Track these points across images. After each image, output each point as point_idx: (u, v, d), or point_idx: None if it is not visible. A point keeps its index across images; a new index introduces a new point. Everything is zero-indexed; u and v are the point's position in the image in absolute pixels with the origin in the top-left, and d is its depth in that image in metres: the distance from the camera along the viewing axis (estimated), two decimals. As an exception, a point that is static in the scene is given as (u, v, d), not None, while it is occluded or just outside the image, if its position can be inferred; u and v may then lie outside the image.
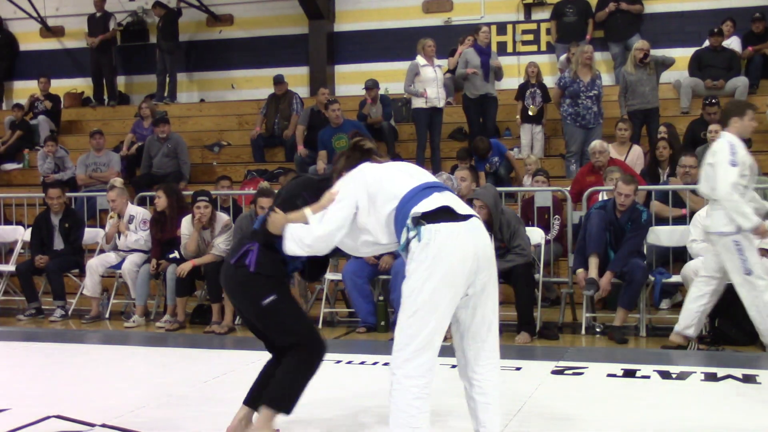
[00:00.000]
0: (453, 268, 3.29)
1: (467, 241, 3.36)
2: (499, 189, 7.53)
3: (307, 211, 3.60)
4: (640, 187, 8.04)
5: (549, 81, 12.20)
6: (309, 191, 3.77)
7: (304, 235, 3.55)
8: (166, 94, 13.54)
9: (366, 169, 3.62)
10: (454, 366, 5.75)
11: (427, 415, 3.40)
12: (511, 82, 11.84)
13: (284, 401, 3.80)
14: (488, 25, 11.95)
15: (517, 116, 10.74)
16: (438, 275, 3.26)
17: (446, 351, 6.31)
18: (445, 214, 3.35)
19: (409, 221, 3.33)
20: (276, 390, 3.80)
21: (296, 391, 3.81)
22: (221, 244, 7.62)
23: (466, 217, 3.40)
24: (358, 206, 3.50)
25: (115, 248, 8.39)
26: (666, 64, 10.16)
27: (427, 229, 3.29)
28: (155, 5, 13.45)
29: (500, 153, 9.85)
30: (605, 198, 7.47)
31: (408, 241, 3.32)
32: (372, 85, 11.01)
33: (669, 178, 8.42)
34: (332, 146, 10.25)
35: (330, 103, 10.42)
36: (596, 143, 8.52)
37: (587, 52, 9.73)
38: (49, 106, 12.97)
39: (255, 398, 3.99)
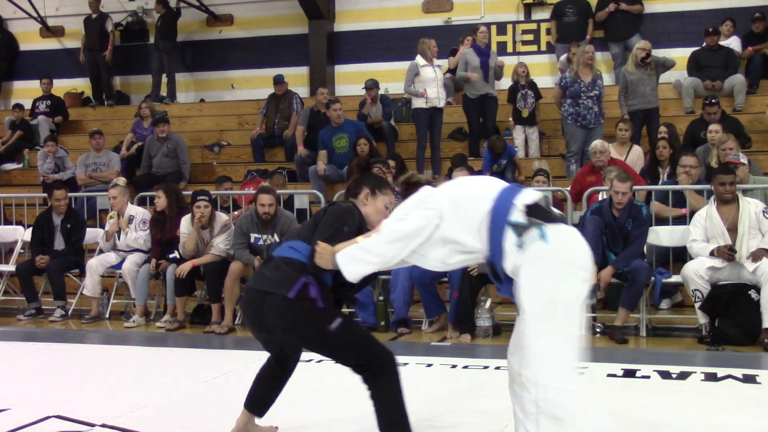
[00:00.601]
0: (585, 269, 3.21)
1: (586, 246, 3.29)
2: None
3: (360, 238, 3.41)
4: (640, 187, 8.07)
5: (549, 81, 12.23)
6: (353, 220, 3.65)
7: (370, 247, 3.31)
8: (165, 94, 13.55)
9: (432, 186, 3.44)
10: (454, 366, 5.78)
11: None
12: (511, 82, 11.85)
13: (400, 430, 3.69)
14: (488, 25, 11.98)
15: (510, 118, 10.76)
16: (567, 270, 3.14)
17: (449, 351, 6.34)
18: (549, 213, 3.27)
19: (518, 218, 3.17)
20: (388, 427, 3.69)
21: (403, 416, 3.70)
22: (220, 243, 7.63)
23: (566, 221, 3.34)
24: (442, 216, 3.27)
25: (114, 248, 8.40)
26: (667, 65, 10.16)
27: (552, 229, 3.16)
28: (157, 2, 13.46)
29: (510, 156, 9.81)
30: (605, 198, 7.46)
31: (521, 243, 3.15)
32: (372, 85, 11.01)
33: (669, 178, 8.43)
34: (332, 146, 10.25)
35: (331, 102, 10.42)
36: (597, 143, 8.52)
37: (588, 52, 9.73)
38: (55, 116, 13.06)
39: (256, 403, 3.98)
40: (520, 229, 3.16)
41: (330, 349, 3.72)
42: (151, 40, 13.99)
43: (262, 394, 4.04)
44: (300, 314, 3.56)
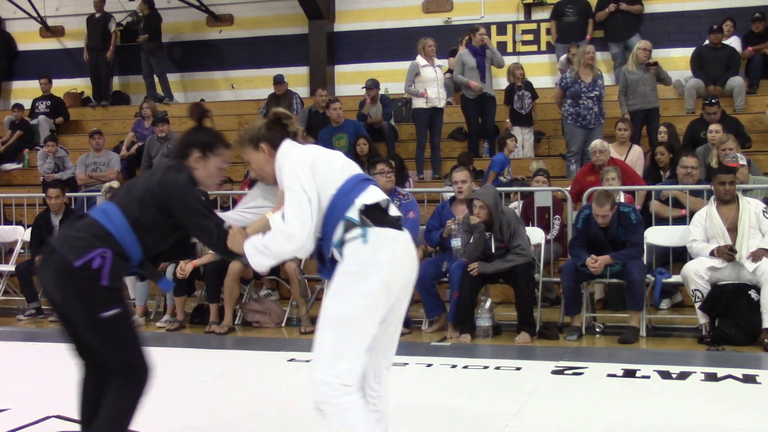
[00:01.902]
0: (396, 278, 3.21)
1: (410, 255, 3.31)
2: (499, 189, 7.53)
3: (271, 216, 3.25)
4: (640, 187, 8.07)
5: (549, 81, 12.23)
6: (194, 192, 3.38)
7: (270, 241, 3.17)
8: (162, 93, 13.55)
9: (301, 147, 3.32)
10: (454, 366, 5.78)
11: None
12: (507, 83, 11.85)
13: None
14: (488, 25, 11.99)
15: (507, 120, 10.76)
16: (384, 282, 3.13)
17: (449, 351, 6.34)
18: (384, 216, 3.23)
19: (352, 214, 3.16)
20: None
21: (125, 428, 3.37)
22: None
23: (401, 226, 3.28)
24: (306, 190, 3.17)
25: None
26: (664, 79, 10.14)
27: (375, 232, 3.15)
28: (143, 2, 13.45)
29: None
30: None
31: (342, 240, 3.14)
32: (372, 85, 11.01)
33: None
34: (332, 146, 10.25)
35: (331, 102, 10.42)
36: (597, 142, 8.51)
37: (589, 52, 9.72)
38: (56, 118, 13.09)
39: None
40: (349, 226, 3.16)
41: (92, 335, 3.34)
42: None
43: (91, 415, 3.44)
44: (78, 285, 3.24)
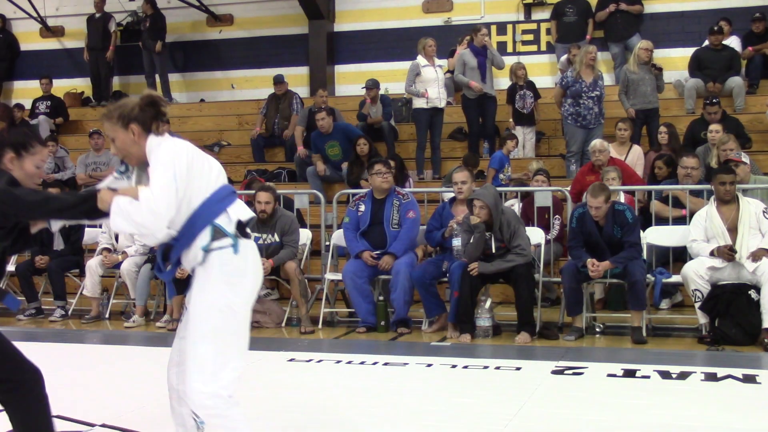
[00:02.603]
0: (255, 287, 3.29)
1: (259, 263, 3.36)
2: (500, 189, 7.53)
3: (141, 188, 3.18)
4: (640, 187, 8.07)
5: (549, 81, 12.23)
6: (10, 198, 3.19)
7: (135, 209, 3.10)
8: (161, 93, 13.55)
9: (181, 142, 3.31)
10: (454, 366, 5.78)
11: None
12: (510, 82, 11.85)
13: None
14: (488, 25, 11.98)
15: (510, 119, 10.75)
16: (249, 291, 3.22)
17: (449, 351, 6.34)
18: (244, 229, 3.27)
19: (224, 223, 3.17)
20: None
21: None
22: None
23: (249, 235, 3.31)
24: (177, 178, 3.15)
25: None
26: (659, 86, 10.14)
27: (243, 243, 3.20)
28: (146, 2, 13.45)
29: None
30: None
31: (208, 247, 3.15)
32: (372, 85, 11.00)
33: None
34: (326, 153, 10.28)
35: (317, 111, 10.39)
36: (597, 142, 8.51)
37: (591, 52, 9.72)
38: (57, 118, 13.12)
39: None
40: (218, 234, 3.16)
41: None
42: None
43: None
44: None
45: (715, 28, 10.98)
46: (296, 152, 10.91)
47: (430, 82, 10.15)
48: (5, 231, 3.25)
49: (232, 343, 3.18)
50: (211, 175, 3.24)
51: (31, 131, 3.44)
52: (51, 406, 3.35)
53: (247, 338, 3.26)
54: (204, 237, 3.15)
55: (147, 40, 13.46)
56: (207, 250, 3.15)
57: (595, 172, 8.37)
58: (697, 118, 9.90)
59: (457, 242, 7.04)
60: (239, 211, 3.24)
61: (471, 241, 6.87)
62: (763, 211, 6.68)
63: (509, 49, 12.83)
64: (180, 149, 3.22)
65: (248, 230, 3.29)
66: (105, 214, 3.15)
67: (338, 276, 7.56)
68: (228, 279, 3.16)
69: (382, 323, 7.23)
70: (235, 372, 3.17)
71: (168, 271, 3.29)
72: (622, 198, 7.62)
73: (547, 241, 7.64)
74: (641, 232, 7.14)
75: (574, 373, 5.50)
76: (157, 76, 13.59)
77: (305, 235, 8.07)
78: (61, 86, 14.01)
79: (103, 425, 4.42)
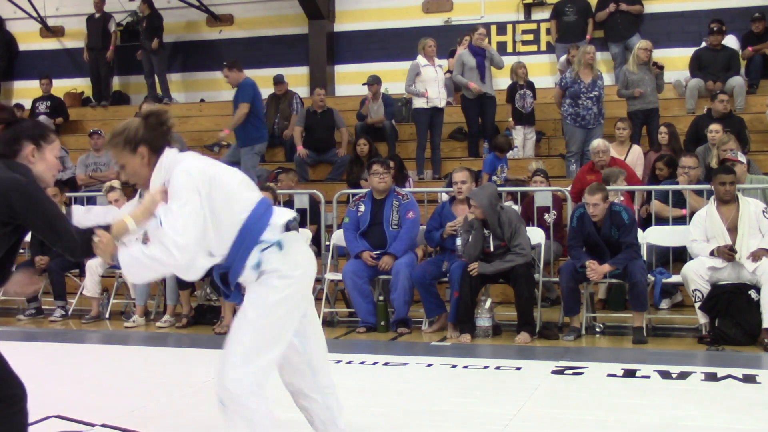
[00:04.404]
0: (310, 275, 3.27)
1: (312, 255, 3.34)
2: (500, 189, 7.53)
3: (128, 220, 3.06)
4: (640, 187, 8.06)
5: (549, 81, 12.23)
6: (40, 192, 3.05)
7: (158, 252, 2.97)
8: (160, 93, 13.55)
9: (198, 160, 3.16)
10: (454, 366, 5.78)
11: None
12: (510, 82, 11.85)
13: None
14: (488, 25, 11.98)
15: (510, 119, 10.75)
16: (296, 284, 3.19)
17: (449, 351, 6.34)
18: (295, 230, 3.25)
19: (270, 236, 3.13)
20: None
21: None
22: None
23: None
24: (203, 206, 3.06)
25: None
26: (659, 85, 10.13)
27: (287, 237, 3.17)
28: (143, 2, 13.46)
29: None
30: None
31: (260, 262, 3.13)
32: (373, 81, 11.01)
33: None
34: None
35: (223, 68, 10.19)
36: (599, 143, 8.49)
37: (590, 52, 9.73)
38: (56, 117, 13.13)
39: None
40: (265, 247, 3.13)
41: None
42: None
43: None
44: None
45: (714, 28, 10.97)
46: (296, 152, 10.91)
47: (430, 82, 10.15)
48: (11, 228, 3.11)
49: (273, 337, 3.17)
50: (238, 192, 3.15)
51: (40, 121, 3.30)
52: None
53: (290, 336, 3.25)
54: (254, 256, 3.13)
55: (144, 40, 13.46)
56: (257, 267, 3.13)
57: (596, 171, 8.38)
58: (701, 115, 9.89)
59: (458, 241, 7.04)
60: (281, 215, 3.21)
61: (469, 239, 6.88)
62: (763, 211, 6.68)
63: (509, 49, 12.83)
64: (199, 174, 3.08)
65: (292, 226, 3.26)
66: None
67: (338, 276, 7.56)
68: (279, 274, 3.14)
69: (382, 323, 7.23)
70: (270, 364, 3.17)
71: (234, 293, 3.26)
72: (621, 198, 7.62)
73: (547, 237, 7.61)
74: (641, 231, 7.15)
75: (574, 373, 5.50)
76: (156, 76, 13.57)
77: (305, 236, 8.07)
78: (61, 86, 14.00)
79: (103, 425, 4.42)
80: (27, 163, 3.08)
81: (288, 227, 3.20)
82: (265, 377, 3.17)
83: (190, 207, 2.99)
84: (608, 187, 7.20)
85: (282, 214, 3.23)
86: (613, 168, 8.13)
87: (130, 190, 9.58)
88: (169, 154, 3.18)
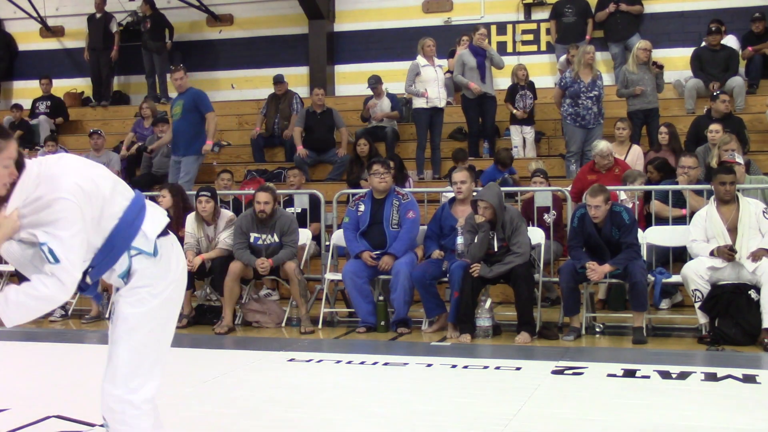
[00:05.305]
0: (183, 280, 3.14)
1: (181, 253, 3.19)
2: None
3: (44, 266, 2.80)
4: (640, 187, 8.06)
5: (549, 81, 12.23)
6: None
7: (54, 291, 2.79)
8: (159, 93, 13.56)
9: (69, 175, 2.83)
10: (454, 366, 5.78)
11: None
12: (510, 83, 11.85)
13: None
14: (488, 25, 11.98)
15: (514, 110, 10.71)
16: (167, 290, 3.05)
17: (449, 351, 6.34)
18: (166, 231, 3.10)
19: (141, 245, 2.97)
20: None
21: None
22: (227, 238, 7.67)
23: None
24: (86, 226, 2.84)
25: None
26: (659, 85, 10.13)
27: (161, 242, 3.03)
28: (144, 2, 13.46)
29: (510, 173, 9.71)
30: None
31: (129, 269, 2.98)
32: (376, 82, 11.03)
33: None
34: (171, 112, 10.36)
35: (176, 71, 10.30)
36: (603, 147, 8.44)
37: (590, 52, 9.72)
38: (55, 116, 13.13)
39: None
40: (134, 253, 2.98)
41: None
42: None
43: None
44: None
45: (713, 28, 10.97)
46: (296, 152, 10.91)
47: (430, 82, 10.15)
48: None
49: (155, 351, 3.07)
50: (111, 198, 2.93)
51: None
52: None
53: (169, 343, 3.15)
54: (123, 262, 2.98)
55: (148, 41, 13.45)
56: (126, 275, 2.99)
57: (596, 171, 8.39)
58: (701, 115, 9.89)
59: (459, 240, 7.04)
60: (154, 223, 3.04)
61: (474, 241, 6.87)
62: (763, 211, 6.68)
63: (509, 49, 12.83)
64: (79, 189, 2.80)
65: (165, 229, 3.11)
66: None
67: (338, 276, 7.56)
68: (151, 282, 3.02)
69: (382, 323, 7.23)
70: (156, 380, 3.07)
71: (91, 288, 3.06)
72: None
73: (547, 236, 7.61)
74: (641, 231, 7.15)
75: (574, 373, 5.50)
76: (157, 77, 13.57)
77: (305, 235, 8.08)
78: (61, 86, 14.01)
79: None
80: None
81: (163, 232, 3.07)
82: (152, 393, 3.09)
83: (81, 236, 2.80)
84: (611, 188, 7.20)
85: (156, 220, 3.06)
86: (632, 170, 8.13)
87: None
88: (32, 168, 2.83)
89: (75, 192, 2.79)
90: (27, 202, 2.80)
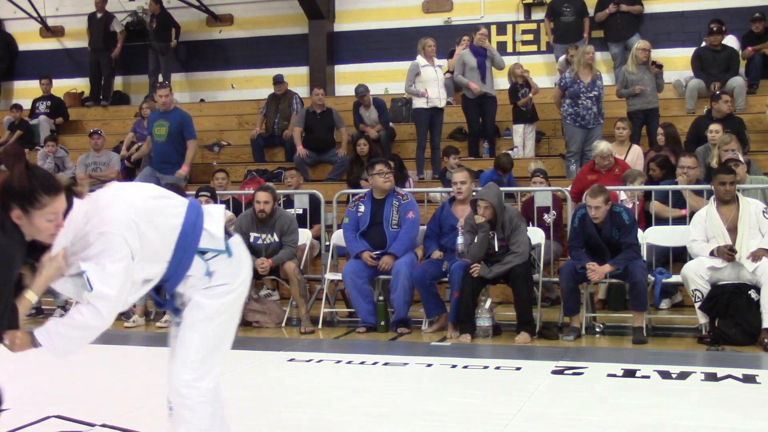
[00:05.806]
0: (250, 279, 3.31)
1: (249, 253, 3.39)
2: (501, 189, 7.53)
3: (30, 296, 2.85)
4: (640, 187, 8.06)
5: (548, 81, 12.23)
6: (12, 262, 2.75)
7: (80, 324, 2.92)
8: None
9: (113, 209, 2.92)
10: (454, 366, 5.78)
11: None
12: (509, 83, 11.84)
13: None
14: (488, 25, 11.97)
15: (523, 98, 10.69)
16: (241, 286, 3.22)
17: (449, 351, 6.34)
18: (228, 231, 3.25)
19: (209, 244, 3.09)
20: None
21: None
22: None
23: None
24: (133, 253, 2.91)
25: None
26: (659, 84, 10.12)
27: (231, 242, 3.18)
28: (153, 2, 13.45)
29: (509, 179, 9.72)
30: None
31: (208, 270, 3.10)
32: (363, 92, 10.94)
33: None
34: (153, 133, 10.13)
35: (159, 87, 10.18)
36: (604, 147, 8.43)
37: (589, 52, 9.72)
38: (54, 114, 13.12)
39: None
40: (209, 256, 3.11)
41: None
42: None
43: None
44: None
45: (714, 28, 10.97)
46: (296, 152, 10.91)
47: (430, 82, 10.15)
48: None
49: (221, 341, 3.25)
50: (164, 206, 3.06)
51: (42, 175, 2.84)
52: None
53: (232, 338, 3.34)
54: (198, 265, 3.09)
55: (153, 40, 13.45)
56: (209, 274, 3.12)
57: (596, 171, 8.39)
58: (701, 115, 9.89)
59: (459, 240, 7.04)
60: (215, 221, 3.15)
61: (475, 241, 6.87)
62: (763, 211, 6.68)
63: (509, 49, 12.83)
64: (121, 222, 2.89)
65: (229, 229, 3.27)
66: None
67: (338, 276, 7.56)
68: (228, 280, 3.17)
69: (382, 323, 7.23)
70: (219, 369, 3.25)
71: (168, 302, 3.22)
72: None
73: (547, 235, 7.61)
74: (641, 232, 7.15)
75: (574, 373, 5.50)
76: (160, 76, 13.55)
77: (305, 236, 8.08)
78: (61, 86, 14.01)
79: (103, 425, 4.42)
80: (18, 222, 2.79)
81: (227, 231, 3.19)
82: (216, 382, 3.23)
83: (123, 264, 2.87)
84: (611, 188, 7.21)
85: (216, 218, 3.16)
86: (632, 170, 8.13)
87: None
88: (80, 207, 2.91)
89: (118, 224, 2.90)
90: (76, 239, 2.91)
